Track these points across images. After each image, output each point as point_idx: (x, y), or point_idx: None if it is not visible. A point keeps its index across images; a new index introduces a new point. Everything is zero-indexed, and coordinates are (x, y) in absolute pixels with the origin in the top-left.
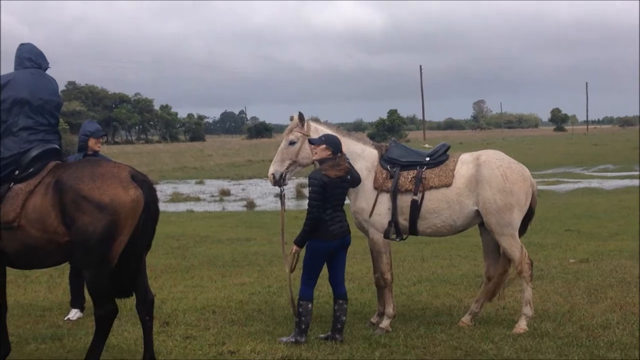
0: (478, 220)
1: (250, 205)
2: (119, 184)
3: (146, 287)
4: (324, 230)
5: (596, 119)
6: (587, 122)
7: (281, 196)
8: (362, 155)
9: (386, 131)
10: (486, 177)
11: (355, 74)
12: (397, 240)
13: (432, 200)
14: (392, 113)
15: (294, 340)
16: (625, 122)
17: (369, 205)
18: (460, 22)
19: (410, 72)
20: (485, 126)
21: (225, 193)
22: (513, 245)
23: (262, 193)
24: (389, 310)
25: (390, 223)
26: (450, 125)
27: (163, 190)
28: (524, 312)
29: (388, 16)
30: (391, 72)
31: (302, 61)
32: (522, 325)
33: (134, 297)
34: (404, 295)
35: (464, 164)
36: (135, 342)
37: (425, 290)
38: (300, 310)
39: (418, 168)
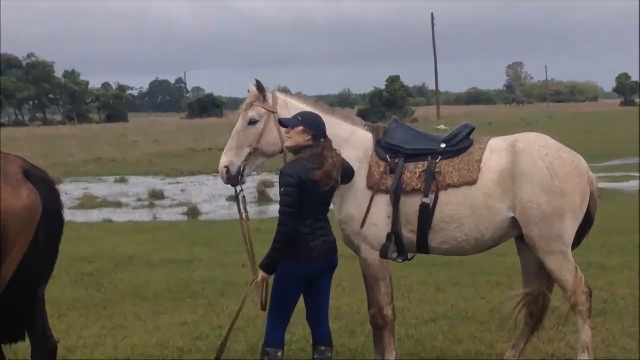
0: (515, 232)
1: (193, 212)
2: (6, 184)
3: (45, 329)
4: (301, 248)
5: None
6: None
7: (238, 199)
8: (351, 141)
9: (384, 107)
10: (526, 172)
11: (340, 27)
12: (400, 260)
13: (451, 204)
14: (394, 81)
15: None
16: None
17: (361, 212)
18: None
19: (418, 23)
20: (524, 99)
21: (157, 196)
22: (564, 266)
23: (209, 195)
24: (391, 358)
25: (389, 236)
26: (475, 98)
27: (69, 191)
28: None
29: None
30: (390, 23)
31: (264, 9)
32: None
33: (28, 342)
34: (411, 340)
35: (494, 153)
36: None
37: (441, 332)
38: (265, 358)
39: (430, 158)
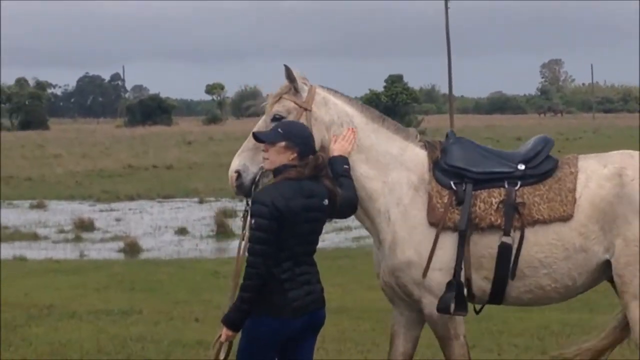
0: (603, 278)
1: (132, 249)
2: None
3: None
4: (276, 298)
5: None
6: None
7: (245, 217)
8: (402, 160)
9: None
10: (635, 205)
11: (319, 11)
12: (461, 314)
13: (540, 244)
14: (394, 82)
15: None
16: None
17: (422, 256)
18: None
19: (428, 7)
20: (563, 107)
21: (84, 226)
22: None
23: (153, 227)
24: None
25: (450, 285)
26: (500, 105)
27: None
28: None
29: None
30: (390, 7)
31: None
32: None
33: None
34: None
35: (591, 181)
36: None
37: None
38: None
39: (506, 184)
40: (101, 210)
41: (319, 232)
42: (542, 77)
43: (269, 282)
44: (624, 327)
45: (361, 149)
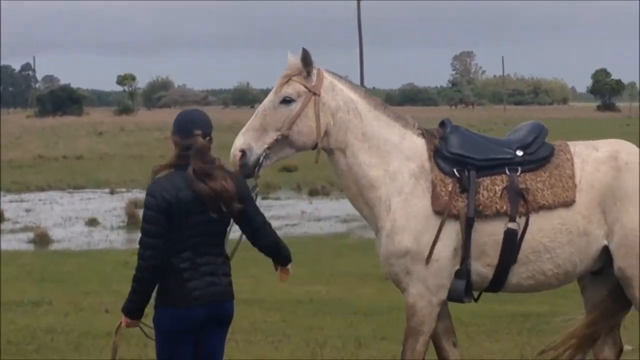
0: (599, 264)
1: (43, 240)
2: None
3: None
4: (176, 288)
5: None
6: None
7: (254, 196)
8: (401, 148)
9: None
10: (631, 192)
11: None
12: (467, 302)
13: (545, 229)
14: None
15: None
16: None
17: (420, 244)
18: None
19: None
20: (474, 99)
21: None
22: None
23: (64, 217)
24: None
25: (460, 274)
26: (412, 96)
27: None
28: None
29: None
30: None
31: None
32: None
33: None
34: None
35: (587, 165)
36: None
37: None
38: None
39: (507, 171)
40: (11, 201)
41: (223, 221)
42: (454, 69)
43: (168, 272)
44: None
45: (364, 137)
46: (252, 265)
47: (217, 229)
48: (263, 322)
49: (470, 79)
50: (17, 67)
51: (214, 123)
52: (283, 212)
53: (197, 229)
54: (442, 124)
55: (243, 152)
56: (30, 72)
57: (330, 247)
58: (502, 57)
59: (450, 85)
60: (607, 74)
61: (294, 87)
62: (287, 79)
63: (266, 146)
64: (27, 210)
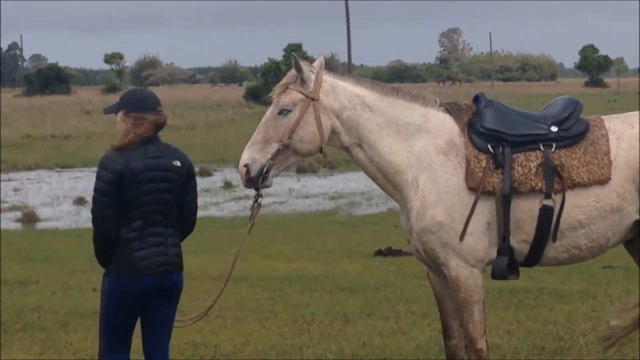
0: (629, 236)
1: (30, 219)
2: None
3: None
4: (124, 257)
5: None
6: None
7: (253, 206)
8: (425, 128)
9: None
10: None
11: None
12: (514, 278)
13: (580, 206)
14: (294, 50)
15: None
16: None
17: (456, 219)
18: None
19: None
20: (462, 76)
21: None
22: None
23: (51, 196)
24: None
25: (502, 251)
26: (400, 73)
27: None
28: None
29: None
30: None
31: None
32: None
33: None
34: None
35: (623, 142)
36: None
37: None
38: None
39: (542, 147)
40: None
41: (173, 191)
42: (441, 46)
43: (118, 241)
44: None
45: (380, 127)
46: (236, 243)
47: (168, 199)
48: (250, 300)
49: (458, 55)
50: (4, 46)
51: (202, 101)
52: (271, 189)
53: (148, 198)
54: (477, 98)
55: (247, 167)
56: (17, 52)
57: (317, 225)
58: (490, 33)
59: (438, 62)
60: (595, 50)
61: (290, 96)
62: (284, 88)
63: (269, 157)
64: (15, 190)
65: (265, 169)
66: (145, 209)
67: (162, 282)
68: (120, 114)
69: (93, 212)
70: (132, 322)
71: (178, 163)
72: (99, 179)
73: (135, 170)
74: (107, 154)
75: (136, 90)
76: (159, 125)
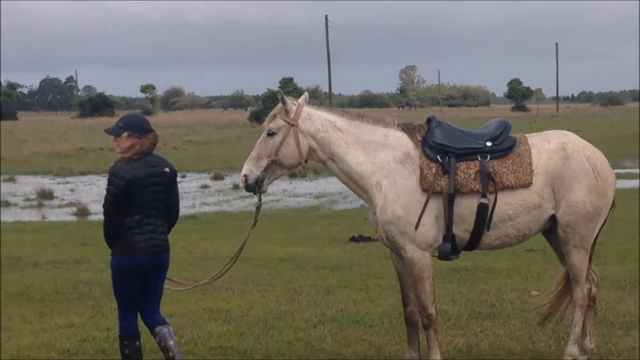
0: (546, 227)
1: (83, 212)
2: None
3: None
4: (126, 241)
5: (570, 95)
6: (557, 99)
7: (257, 208)
8: (386, 144)
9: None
10: (578, 173)
11: (216, 27)
12: (454, 259)
13: (508, 204)
14: (287, 83)
15: None
16: (609, 99)
17: (411, 213)
18: None
19: (311, 25)
20: (418, 102)
21: (46, 195)
22: (584, 262)
23: (99, 195)
24: (437, 357)
25: (446, 238)
26: (368, 101)
27: None
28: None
29: None
30: (279, 24)
31: (135, 9)
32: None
33: None
34: (299, 342)
35: (542, 154)
36: None
37: (330, 335)
38: (127, 352)
39: (479, 158)
40: (59, 183)
41: (166, 191)
42: (401, 80)
43: (122, 229)
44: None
45: (348, 145)
46: (241, 232)
47: (162, 197)
48: (253, 276)
49: (414, 87)
50: (63, 79)
51: (217, 124)
52: (269, 190)
53: (148, 198)
54: (429, 120)
55: (245, 177)
56: (73, 83)
57: (305, 217)
58: (438, 70)
59: (398, 91)
60: (519, 83)
61: (276, 123)
62: (273, 117)
63: (262, 169)
64: (72, 190)
65: (259, 179)
66: (144, 205)
67: (154, 260)
68: (125, 134)
69: (105, 209)
70: (135, 292)
71: (167, 169)
72: (111, 184)
73: (139, 178)
74: (116, 164)
75: (136, 116)
76: (155, 143)
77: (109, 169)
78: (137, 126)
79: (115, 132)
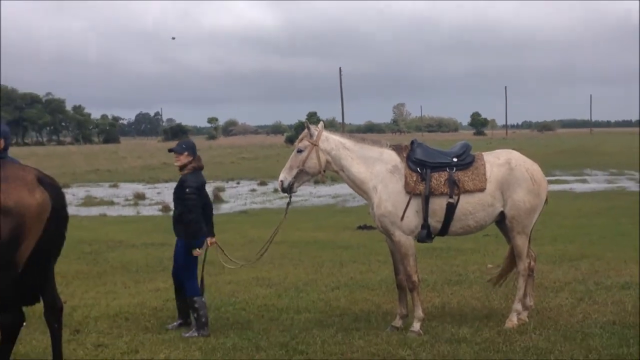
0: (496, 219)
1: (166, 209)
2: (24, 187)
3: (54, 294)
4: (197, 227)
5: (515, 124)
6: (506, 127)
7: (287, 205)
8: (381, 159)
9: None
10: (519, 180)
11: (269, 74)
12: (429, 242)
13: (469, 203)
14: (312, 115)
15: (197, 334)
16: (543, 127)
17: (398, 209)
18: (361, 25)
19: (323, 74)
20: (406, 129)
21: (139, 197)
22: (525, 243)
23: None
24: (419, 312)
25: (423, 227)
26: (370, 128)
27: (75, 193)
28: (515, 308)
29: (286, 19)
30: (305, 74)
31: (199, 62)
32: (512, 319)
33: (42, 304)
34: (321, 302)
35: (494, 167)
36: (45, 351)
37: (343, 296)
38: (196, 306)
39: (448, 169)
40: (149, 188)
41: (207, 195)
42: (394, 113)
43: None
44: (513, 255)
45: (353, 160)
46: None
47: (205, 197)
48: (288, 253)
49: (403, 118)
50: (152, 113)
51: (262, 146)
52: (298, 192)
53: (204, 199)
54: (412, 142)
55: (281, 182)
56: (159, 116)
57: (325, 212)
58: (421, 106)
59: (392, 121)
60: (479, 114)
61: (303, 143)
62: (301, 139)
63: (293, 177)
64: (158, 193)
65: (291, 183)
66: (205, 204)
67: (203, 240)
68: (185, 153)
69: (190, 205)
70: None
71: (205, 180)
72: (190, 187)
73: (202, 184)
74: (187, 175)
75: (192, 141)
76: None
77: (186, 179)
78: (194, 148)
79: (179, 150)
